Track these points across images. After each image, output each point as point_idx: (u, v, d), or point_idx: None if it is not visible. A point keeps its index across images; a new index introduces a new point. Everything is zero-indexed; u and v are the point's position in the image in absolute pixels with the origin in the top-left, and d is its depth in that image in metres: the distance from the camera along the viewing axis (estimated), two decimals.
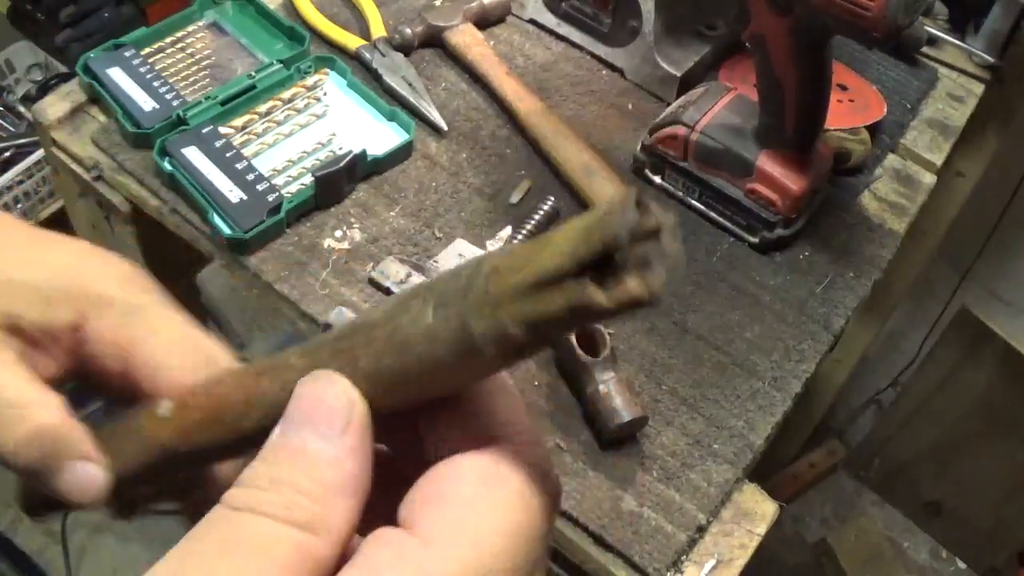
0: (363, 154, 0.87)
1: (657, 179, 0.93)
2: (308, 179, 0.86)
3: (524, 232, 0.77)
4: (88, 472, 0.36)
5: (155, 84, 0.91)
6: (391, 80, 0.97)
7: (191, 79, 0.94)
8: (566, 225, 0.25)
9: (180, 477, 0.40)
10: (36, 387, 0.37)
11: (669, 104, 0.96)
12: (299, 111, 0.93)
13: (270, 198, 0.84)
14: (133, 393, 0.38)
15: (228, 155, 0.86)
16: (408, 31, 1.00)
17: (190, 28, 0.99)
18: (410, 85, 0.96)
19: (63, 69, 1.90)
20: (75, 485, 0.36)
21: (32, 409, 0.36)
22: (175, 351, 0.39)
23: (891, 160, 1.01)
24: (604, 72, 1.03)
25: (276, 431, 0.30)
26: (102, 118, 0.92)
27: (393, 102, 0.95)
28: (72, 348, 0.39)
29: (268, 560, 0.27)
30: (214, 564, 0.27)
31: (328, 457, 0.29)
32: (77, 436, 0.37)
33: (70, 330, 0.38)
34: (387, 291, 0.69)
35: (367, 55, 0.99)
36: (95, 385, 0.40)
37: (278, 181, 0.86)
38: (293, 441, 0.30)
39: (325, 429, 0.29)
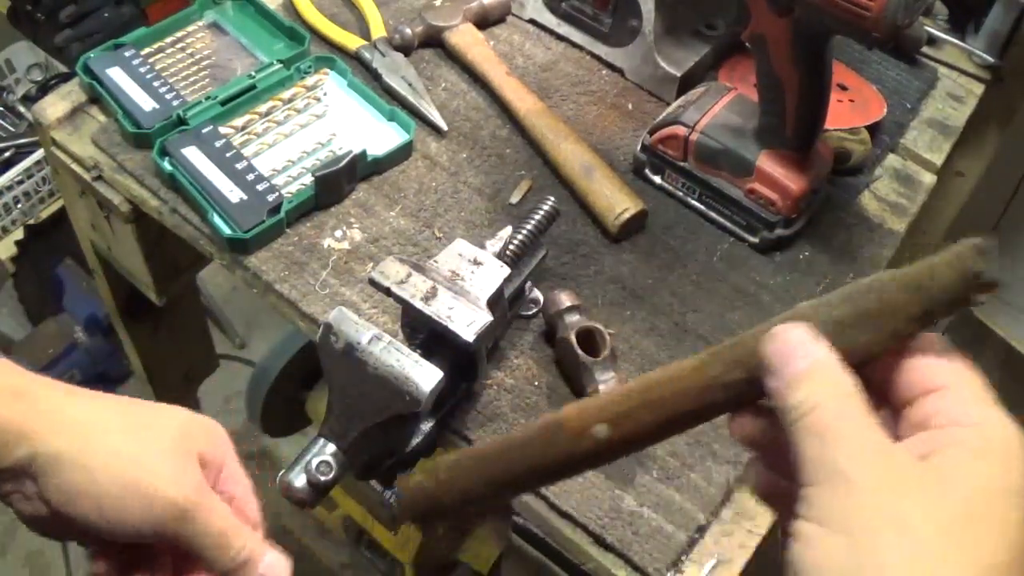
0: (363, 154, 0.87)
1: (657, 179, 0.93)
2: (308, 179, 0.86)
3: (524, 232, 0.77)
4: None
5: (155, 84, 0.91)
6: (391, 80, 0.97)
7: (191, 79, 0.94)
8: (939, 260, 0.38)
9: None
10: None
11: (669, 104, 0.96)
12: (299, 111, 0.93)
13: (270, 198, 0.84)
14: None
15: (228, 155, 0.86)
16: (408, 31, 1.00)
17: (190, 28, 0.99)
18: (410, 85, 0.96)
19: (63, 69, 1.90)
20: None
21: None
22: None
23: (891, 160, 1.01)
24: (604, 72, 1.03)
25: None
26: (102, 118, 0.92)
27: (393, 102, 0.95)
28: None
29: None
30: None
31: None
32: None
33: (219, 468, 0.54)
34: (387, 291, 0.69)
35: (367, 55, 0.99)
36: None
37: (278, 181, 0.86)
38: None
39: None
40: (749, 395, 0.41)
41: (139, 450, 0.50)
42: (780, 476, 0.42)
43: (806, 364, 0.37)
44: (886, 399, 0.39)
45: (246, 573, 0.51)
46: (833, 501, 0.35)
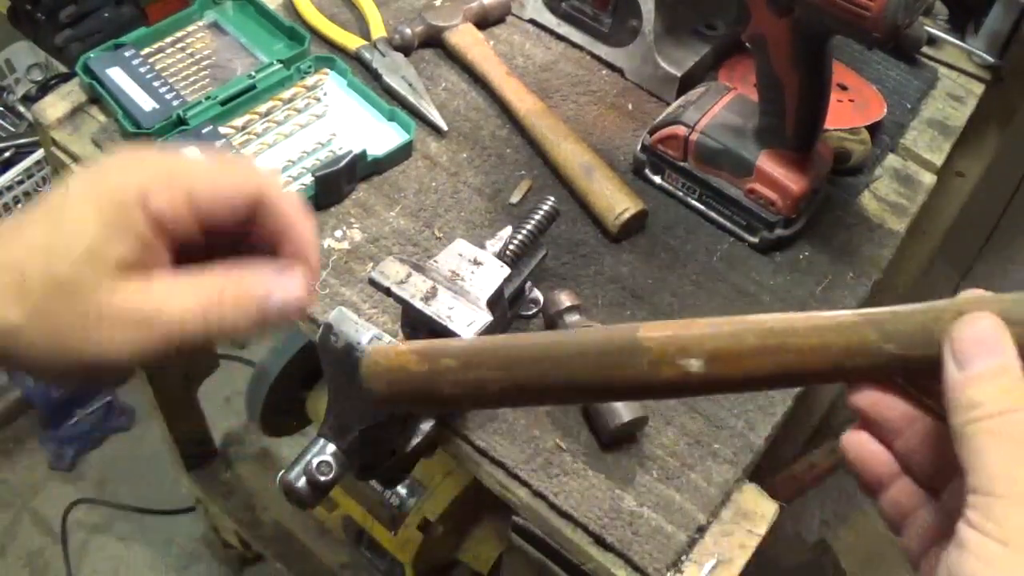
0: (363, 154, 0.87)
1: (657, 179, 0.93)
2: (308, 179, 0.86)
3: (524, 232, 0.77)
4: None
5: (155, 84, 0.91)
6: (391, 80, 0.97)
7: (191, 79, 0.94)
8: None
9: None
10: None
11: (669, 104, 0.96)
12: (299, 111, 0.93)
13: None
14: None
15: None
16: (408, 31, 1.00)
17: (190, 28, 0.99)
18: (410, 85, 0.96)
19: (63, 69, 1.90)
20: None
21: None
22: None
23: (891, 160, 1.01)
24: (604, 72, 1.03)
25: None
26: (102, 118, 0.92)
27: (393, 102, 0.95)
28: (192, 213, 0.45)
29: None
30: None
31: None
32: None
33: (192, 200, 0.45)
34: (387, 291, 0.69)
35: (367, 55, 0.99)
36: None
37: None
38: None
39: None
40: (891, 370, 0.38)
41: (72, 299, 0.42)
42: (887, 453, 0.41)
43: (998, 362, 0.36)
44: None
45: (263, 317, 0.45)
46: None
